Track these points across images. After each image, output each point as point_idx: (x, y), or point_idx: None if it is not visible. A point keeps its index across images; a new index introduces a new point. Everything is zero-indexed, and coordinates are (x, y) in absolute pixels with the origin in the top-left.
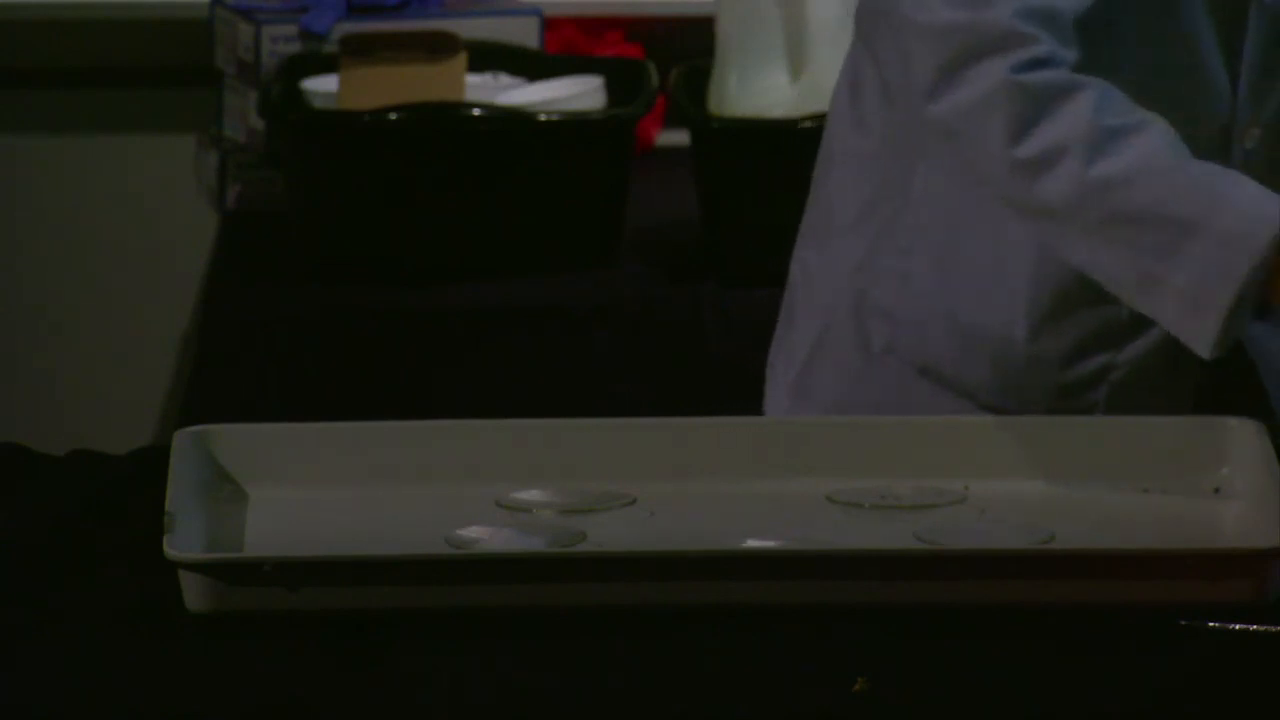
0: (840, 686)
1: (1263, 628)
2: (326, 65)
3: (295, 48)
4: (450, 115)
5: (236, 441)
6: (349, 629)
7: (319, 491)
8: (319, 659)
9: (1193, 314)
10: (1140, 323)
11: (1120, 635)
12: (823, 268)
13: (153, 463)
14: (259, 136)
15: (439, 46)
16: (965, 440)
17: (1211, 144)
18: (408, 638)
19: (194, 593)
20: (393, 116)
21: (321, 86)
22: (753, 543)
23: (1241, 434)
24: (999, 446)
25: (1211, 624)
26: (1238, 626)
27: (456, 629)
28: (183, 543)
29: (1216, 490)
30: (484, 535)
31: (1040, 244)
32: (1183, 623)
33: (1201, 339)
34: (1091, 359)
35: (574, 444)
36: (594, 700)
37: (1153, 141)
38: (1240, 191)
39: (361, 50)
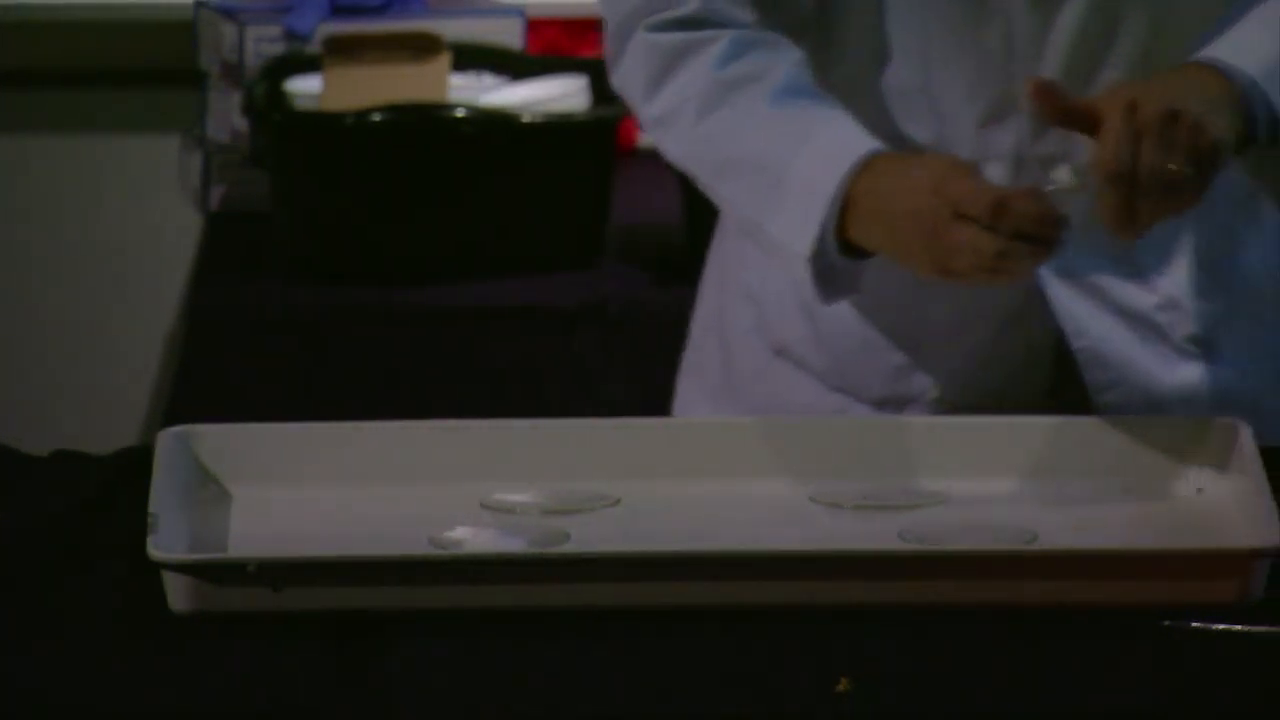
0: (824, 687)
1: (1246, 628)
2: (310, 66)
3: (279, 48)
4: (434, 116)
5: (220, 441)
6: (333, 629)
7: (303, 491)
8: (303, 659)
9: (787, 260)
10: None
11: (1102, 636)
12: (712, 256)
13: (136, 463)
14: (243, 137)
15: (422, 47)
16: (948, 441)
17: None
18: (391, 638)
19: (178, 593)
20: (376, 117)
21: (305, 87)
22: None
23: (1226, 434)
24: (983, 447)
25: (1195, 624)
26: (1221, 627)
27: (440, 629)
28: (166, 543)
29: (1200, 490)
30: (468, 536)
31: None
32: (1166, 623)
33: (808, 286)
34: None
35: (558, 444)
36: (577, 702)
37: (763, 88)
38: (827, 131)
39: (345, 51)
